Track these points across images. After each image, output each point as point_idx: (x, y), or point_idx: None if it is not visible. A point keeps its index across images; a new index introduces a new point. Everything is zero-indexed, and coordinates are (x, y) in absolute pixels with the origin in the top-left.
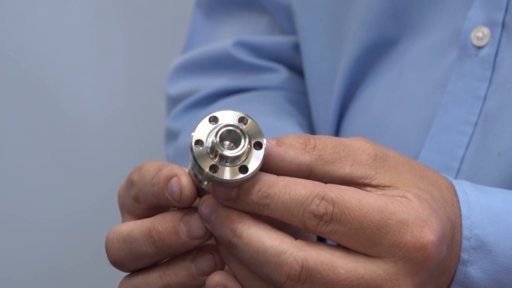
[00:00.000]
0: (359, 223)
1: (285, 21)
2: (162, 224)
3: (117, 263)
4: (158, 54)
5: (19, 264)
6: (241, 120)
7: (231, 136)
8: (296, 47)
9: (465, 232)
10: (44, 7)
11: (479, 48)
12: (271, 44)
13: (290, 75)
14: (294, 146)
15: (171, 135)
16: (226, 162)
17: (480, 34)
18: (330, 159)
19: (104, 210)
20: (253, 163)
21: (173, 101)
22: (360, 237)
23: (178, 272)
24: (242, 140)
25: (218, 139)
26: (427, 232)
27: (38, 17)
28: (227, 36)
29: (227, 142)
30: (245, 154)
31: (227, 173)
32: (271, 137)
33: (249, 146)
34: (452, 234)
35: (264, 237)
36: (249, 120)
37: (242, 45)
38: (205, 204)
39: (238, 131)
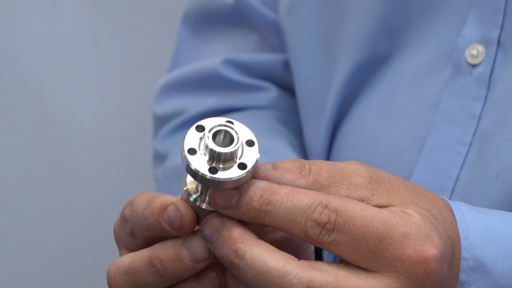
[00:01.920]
0: (362, 233)
1: (275, 38)
2: (164, 251)
3: None
4: (153, 67)
5: (13, 278)
6: (228, 122)
7: (222, 137)
8: (286, 64)
9: (463, 253)
10: (37, 18)
11: (474, 66)
12: (261, 62)
13: (280, 94)
14: (290, 170)
15: (159, 157)
16: (223, 162)
17: (475, 51)
18: (326, 183)
19: (98, 224)
20: (250, 159)
21: (161, 121)
22: (363, 249)
23: None
24: (235, 137)
25: (211, 140)
26: (429, 246)
27: (31, 28)
28: (215, 53)
29: (220, 136)
30: (240, 150)
31: (227, 173)
32: (267, 162)
33: (242, 142)
34: (452, 252)
35: (267, 258)
36: (236, 123)
37: (231, 63)
38: (208, 224)
39: (228, 129)
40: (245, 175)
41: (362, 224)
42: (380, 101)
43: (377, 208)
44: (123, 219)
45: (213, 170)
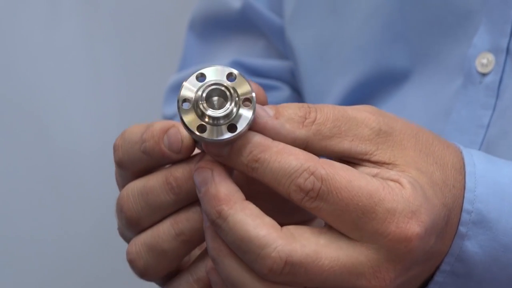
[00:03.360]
0: (345, 205)
1: (282, 44)
2: (179, 170)
3: (133, 220)
4: (152, 77)
5: None
6: (229, 76)
7: (219, 93)
8: (293, 71)
9: (467, 206)
10: (34, 30)
11: (484, 75)
12: (269, 67)
13: (293, 94)
14: (292, 119)
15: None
16: (214, 121)
17: (485, 60)
18: (329, 134)
19: (95, 237)
20: (242, 122)
21: None
22: (345, 219)
23: (190, 217)
24: (229, 99)
25: (204, 98)
26: (413, 224)
27: (29, 41)
28: (223, 58)
29: (215, 99)
30: (233, 112)
31: (215, 133)
32: (271, 105)
33: (237, 104)
34: (446, 221)
35: (249, 225)
36: (238, 76)
37: (240, 65)
38: (198, 173)
39: (223, 89)
40: (232, 137)
41: (346, 196)
42: (390, 110)
43: (368, 178)
44: (114, 151)
45: (202, 127)
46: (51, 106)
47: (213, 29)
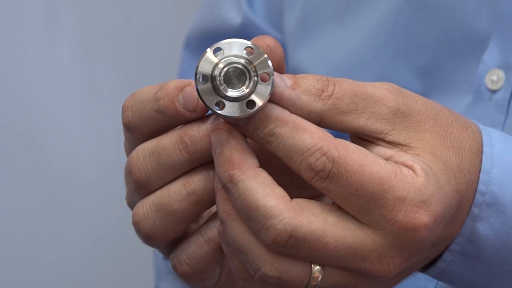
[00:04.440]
0: (355, 189)
1: None
2: (194, 127)
3: (142, 181)
4: None
5: None
6: (247, 50)
7: (237, 71)
8: None
9: (481, 187)
10: (31, 50)
11: (494, 92)
12: None
13: None
14: (309, 91)
15: None
16: (232, 99)
17: (495, 77)
18: (345, 109)
19: (94, 262)
20: (260, 98)
21: None
22: (353, 203)
23: (203, 177)
24: (247, 78)
25: (222, 77)
26: (422, 214)
27: (26, 62)
28: None
29: (234, 76)
30: (251, 90)
31: (233, 109)
32: (290, 74)
33: (255, 79)
34: (457, 208)
35: (259, 194)
36: (256, 50)
37: None
38: (214, 135)
39: (241, 66)
40: (250, 114)
41: (357, 181)
42: None
43: (382, 163)
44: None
45: (219, 104)
46: (48, 128)
47: (211, 45)
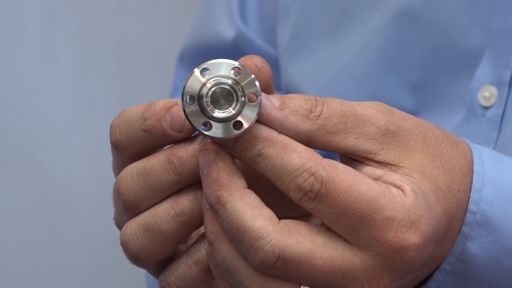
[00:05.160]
0: (343, 210)
1: (276, 76)
2: (182, 148)
3: (131, 202)
4: None
5: None
6: (235, 70)
7: (224, 92)
8: None
9: (472, 206)
10: (29, 59)
11: (486, 108)
12: None
13: None
14: (297, 112)
15: None
16: (219, 120)
17: (487, 93)
18: (334, 130)
19: (91, 276)
20: (247, 118)
21: None
22: (342, 223)
23: (191, 198)
24: (235, 99)
25: (209, 98)
26: (411, 234)
27: (24, 75)
28: None
29: (221, 97)
30: (238, 111)
31: (220, 130)
32: (277, 94)
33: (242, 100)
34: (447, 228)
35: (247, 215)
36: (244, 70)
37: None
38: (202, 155)
39: (228, 87)
40: (238, 135)
41: (345, 201)
42: None
43: (370, 183)
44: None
45: (206, 124)
46: (45, 138)
47: (205, 59)
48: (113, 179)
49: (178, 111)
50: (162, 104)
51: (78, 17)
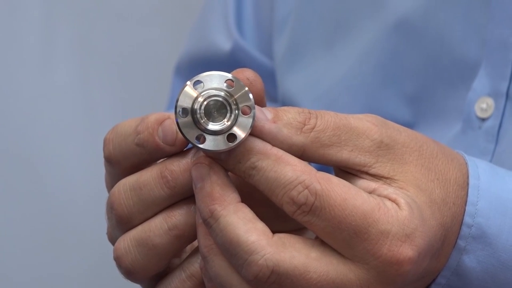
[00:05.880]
0: (338, 223)
1: (272, 87)
2: (174, 162)
3: (124, 217)
4: None
5: None
6: (228, 82)
7: (217, 104)
8: None
9: (467, 219)
10: (28, 73)
11: (483, 120)
12: None
13: None
14: (291, 124)
15: None
16: (213, 133)
17: (484, 105)
18: (328, 142)
19: (90, 286)
20: (241, 131)
21: None
22: (336, 236)
23: (184, 212)
24: (228, 111)
25: (202, 110)
26: (406, 248)
27: (22, 85)
28: None
29: (214, 110)
30: (232, 123)
31: (214, 143)
32: (271, 107)
33: (236, 114)
34: (443, 241)
35: (240, 229)
36: (237, 83)
37: None
38: (195, 169)
39: (222, 99)
40: (231, 147)
41: (340, 214)
42: None
43: (365, 196)
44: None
45: (200, 137)
46: (44, 152)
47: (202, 71)
48: None
49: (170, 124)
50: (155, 118)
51: (77, 27)
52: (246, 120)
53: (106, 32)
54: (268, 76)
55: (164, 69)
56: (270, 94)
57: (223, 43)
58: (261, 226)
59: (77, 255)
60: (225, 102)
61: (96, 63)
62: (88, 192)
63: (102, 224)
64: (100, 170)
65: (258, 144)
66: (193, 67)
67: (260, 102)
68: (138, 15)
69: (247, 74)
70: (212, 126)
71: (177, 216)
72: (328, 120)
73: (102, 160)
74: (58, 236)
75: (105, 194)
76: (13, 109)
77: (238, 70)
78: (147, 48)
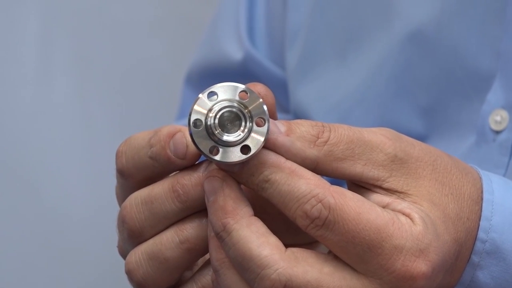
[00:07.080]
0: (352, 237)
1: (284, 98)
2: (186, 176)
3: (136, 230)
4: None
5: None
6: (241, 94)
7: (231, 116)
8: None
9: (481, 234)
10: (26, 87)
11: (497, 132)
12: None
13: None
14: (304, 137)
15: None
16: (227, 144)
17: (499, 117)
18: (341, 156)
19: None
20: (255, 143)
21: None
22: (350, 251)
23: (196, 225)
24: (242, 122)
25: (216, 121)
26: (420, 263)
27: (20, 100)
28: None
29: (228, 121)
30: (246, 135)
31: (227, 154)
32: (284, 120)
33: (250, 125)
34: (456, 256)
35: (253, 243)
36: (251, 94)
37: None
38: (207, 182)
39: (236, 110)
40: (245, 159)
41: (353, 229)
42: None
43: (379, 211)
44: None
45: (213, 149)
46: (42, 166)
47: (213, 80)
48: (110, 206)
49: (181, 137)
50: (167, 131)
51: (75, 43)
52: (260, 132)
53: (104, 46)
54: (280, 87)
55: (163, 83)
56: (282, 104)
57: (235, 52)
58: (274, 240)
59: (76, 274)
60: (239, 113)
61: (94, 77)
62: (85, 206)
63: (99, 237)
64: (98, 184)
65: (272, 157)
66: (203, 76)
67: (271, 116)
68: (137, 29)
69: (258, 88)
70: (227, 137)
71: (188, 230)
72: (341, 134)
73: (100, 174)
74: (55, 250)
75: (103, 212)
76: (11, 123)
77: (250, 84)
78: (146, 62)
